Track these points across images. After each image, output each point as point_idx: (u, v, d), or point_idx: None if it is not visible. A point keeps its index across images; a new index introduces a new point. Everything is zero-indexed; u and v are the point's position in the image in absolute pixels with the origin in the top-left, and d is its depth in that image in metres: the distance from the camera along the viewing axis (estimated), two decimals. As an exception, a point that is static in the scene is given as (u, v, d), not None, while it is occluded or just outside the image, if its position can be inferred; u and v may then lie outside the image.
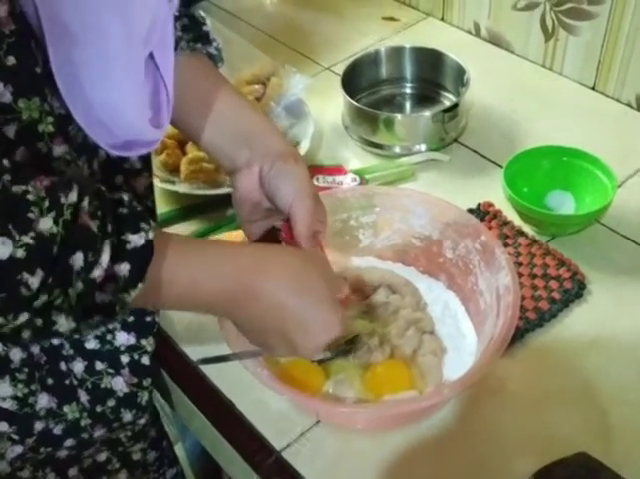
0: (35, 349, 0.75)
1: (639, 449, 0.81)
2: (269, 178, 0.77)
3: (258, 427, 0.85)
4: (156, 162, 1.15)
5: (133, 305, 0.59)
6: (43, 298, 0.52)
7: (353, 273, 0.94)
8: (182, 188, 1.11)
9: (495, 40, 1.41)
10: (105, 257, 0.54)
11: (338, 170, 1.14)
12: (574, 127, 1.21)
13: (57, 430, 0.80)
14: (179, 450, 1.62)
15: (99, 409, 0.82)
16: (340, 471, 0.81)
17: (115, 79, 0.58)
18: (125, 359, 0.83)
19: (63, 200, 0.52)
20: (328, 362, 0.85)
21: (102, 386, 0.81)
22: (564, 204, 1.06)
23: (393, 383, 0.84)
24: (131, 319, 0.82)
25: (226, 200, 1.09)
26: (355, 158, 1.21)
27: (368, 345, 0.85)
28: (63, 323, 0.55)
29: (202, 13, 0.85)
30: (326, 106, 1.28)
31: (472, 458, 0.81)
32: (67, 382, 0.79)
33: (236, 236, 0.96)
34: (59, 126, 0.58)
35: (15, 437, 0.78)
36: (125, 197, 0.58)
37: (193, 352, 0.93)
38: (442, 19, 1.49)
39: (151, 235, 0.57)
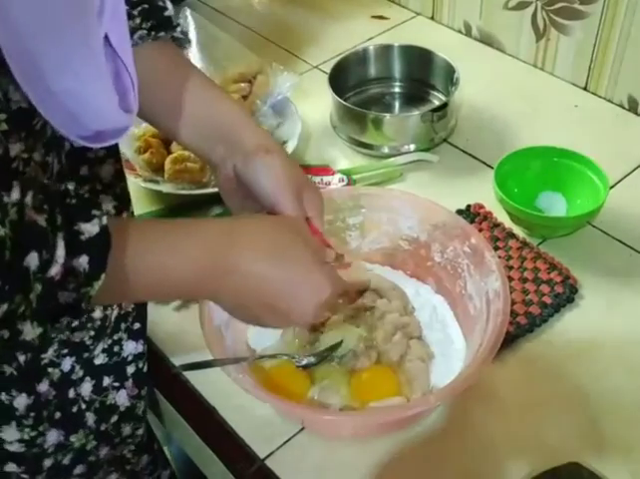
0: (43, 387, 0.71)
1: (632, 456, 0.79)
2: (244, 175, 0.74)
3: (241, 434, 0.83)
4: (139, 161, 1.13)
5: (100, 301, 0.56)
6: (3, 307, 0.48)
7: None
8: (166, 188, 1.09)
9: (486, 39, 1.40)
10: (60, 252, 0.51)
11: (325, 170, 1.12)
12: (566, 128, 1.19)
13: (66, 460, 0.77)
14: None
15: (103, 428, 0.79)
16: (325, 480, 0.79)
17: (76, 64, 0.53)
18: (130, 369, 0.80)
19: (6, 199, 0.48)
20: (313, 368, 0.83)
21: (107, 403, 0.79)
22: (555, 205, 1.04)
23: (379, 389, 0.82)
24: (137, 326, 0.80)
25: (211, 200, 1.07)
26: (343, 158, 1.19)
27: (354, 350, 0.83)
28: (29, 331, 0.51)
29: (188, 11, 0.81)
30: (314, 105, 1.26)
31: (460, 466, 0.79)
32: (75, 409, 0.75)
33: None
34: (17, 122, 0.53)
35: (25, 476, 0.74)
36: (70, 187, 0.54)
37: (175, 357, 0.91)
38: (432, 18, 1.48)
39: (105, 221, 0.54)
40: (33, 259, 0.49)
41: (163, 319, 0.95)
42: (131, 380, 0.80)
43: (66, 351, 0.72)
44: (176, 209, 1.09)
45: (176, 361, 0.89)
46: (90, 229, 0.53)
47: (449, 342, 0.87)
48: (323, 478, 0.79)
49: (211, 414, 0.85)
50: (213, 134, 0.76)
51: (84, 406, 0.75)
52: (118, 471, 0.87)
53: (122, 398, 0.80)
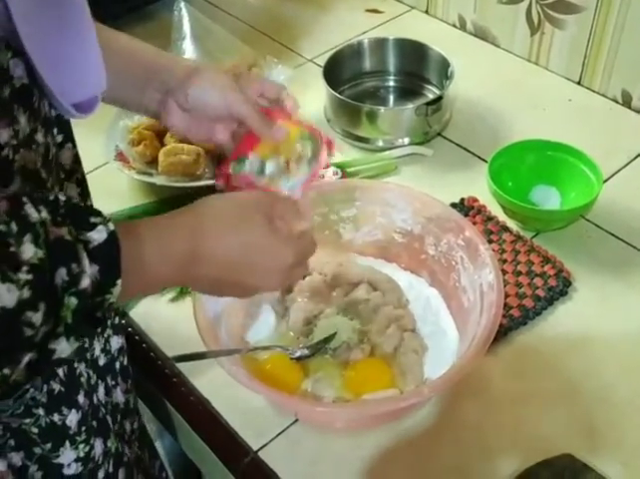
0: (80, 398, 0.70)
1: (624, 449, 0.79)
2: (189, 104, 0.78)
3: (234, 426, 0.83)
4: (132, 153, 1.12)
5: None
6: (43, 330, 0.47)
7: (333, 269, 0.92)
8: (160, 180, 1.08)
9: (481, 34, 1.40)
10: (86, 263, 0.49)
11: None
12: (560, 122, 1.19)
13: (111, 468, 0.76)
14: (158, 448, 1.60)
15: (116, 428, 0.79)
16: (318, 472, 0.79)
17: (80, 30, 0.55)
18: (117, 365, 0.79)
19: (31, 218, 0.47)
20: (307, 360, 0.83)
21: (113, 403, 0.78)
22: (549, 199, 1.04)
23: (373, 382, 0.82)
24: (117, 320, 0.79)
25: (204, 193, 1.06)
26: (337, 151, 1.18)
27: (347, 343, 0.83)
28: (65, 348, 0.49)
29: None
30: (308, 98, 1.25)
31: (453, 458, 0.79)
32: (101, 415, 0.75)
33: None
34: (22, 99, 0.53)
35: None
36: (60, 197, 0.52)
37: (169, 349, 0.90)
38: (426, 12, 1.47)
39: (111, 226, 0.52)
40: (62, 275, 0.48)
41: (158, 312, 0.95)
42: (119, 376, 0.79)
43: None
44: (170, 201, 1.08)
45: (171, 353, 0.89)
46: (96, 236, 0.51)
47: (442, 335, 0.87)
48: (316, 470, 0.79)
49: (205, 406, 0.85)
50: (141, 81, 0.78)
51: (104, 410, 0.75)
52: (140, 473, 0.86)
53: (119, 396, 0.79)
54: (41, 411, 0.65)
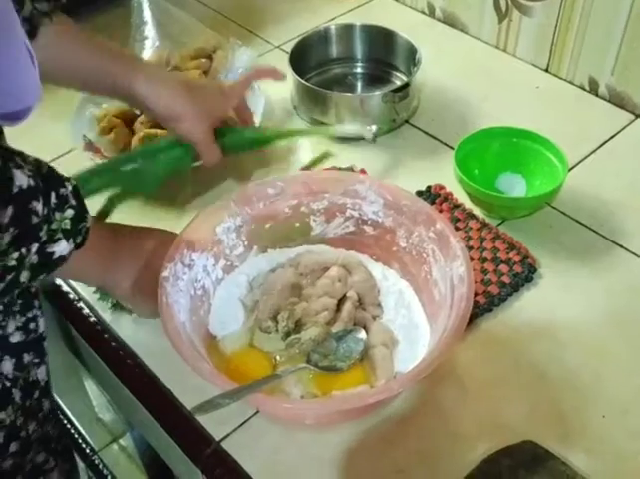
0: None
1: (587, 435, 0.79)
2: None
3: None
4: (104, 142, 1.10)
5: None
6: (45, 228, 0.59)
7: (303, 258, 0.91)
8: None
9: (449, 20, 1.39)
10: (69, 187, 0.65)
11: None
12: (527, 109, 1.19)
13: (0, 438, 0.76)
14: (127, 439, 1.59)
15: (27, 404, 0.79)
16: (282, 461, 0.78)
17: (6, 45, 0.56)
18: (46, 344, 0.81)
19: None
20: (278, 356, 0.82)
21: (30, 379, 0.78)
22: (515, 186, 1.04)
23: (343, 378, 0.80)
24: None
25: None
26: (304, 139, 1.17)
27: (314, 341, 0.82)
28: (64, 248, 0.63)
29: None
30: (276, 86, 1.23)
31: (418, 445, 0.79)
32: (0, 387, 0.75)
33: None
34: None
35: None
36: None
37: (136, 345, 0.90)
38: (395, -2, 1.47)
39: (73, 181, 0.65)
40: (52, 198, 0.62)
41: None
42: (48, 356, 0.81)
43: None
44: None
45: (134, 347, 0.88)
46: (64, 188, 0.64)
47: (413, 328, 0.85)
48: (280, 460, 0.78)
49: (167, 397, 0.84)
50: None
51: (8, 384, 0.75)
52: (46, 451, 0.86)
53: (42, 374, 0.80)
54: None
